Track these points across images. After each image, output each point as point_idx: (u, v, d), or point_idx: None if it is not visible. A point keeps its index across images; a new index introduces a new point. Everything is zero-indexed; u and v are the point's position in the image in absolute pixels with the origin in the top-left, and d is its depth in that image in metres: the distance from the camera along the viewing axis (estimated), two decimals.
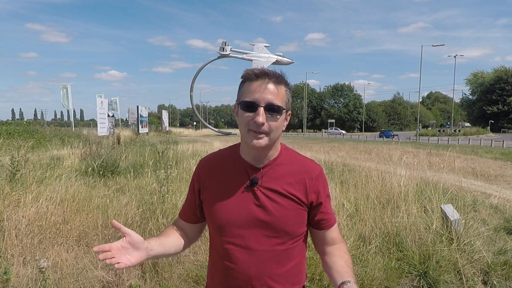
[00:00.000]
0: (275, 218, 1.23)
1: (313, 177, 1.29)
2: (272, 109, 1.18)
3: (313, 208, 1.30)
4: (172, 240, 1.33)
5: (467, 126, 67.30)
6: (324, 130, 75.10)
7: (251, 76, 1.20)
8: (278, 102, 1.19)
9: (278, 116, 1.19)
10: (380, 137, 47.14)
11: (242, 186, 1.26)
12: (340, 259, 1.30)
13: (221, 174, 1.31)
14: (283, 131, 1.29)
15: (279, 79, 1.21)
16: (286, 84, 1.24)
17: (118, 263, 1.11)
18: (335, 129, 71.54)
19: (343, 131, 69.73)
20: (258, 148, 1.21)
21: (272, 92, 1.18)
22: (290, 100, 1.28)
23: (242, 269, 1.23)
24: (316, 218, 1.31)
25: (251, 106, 1.18)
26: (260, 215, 1.23)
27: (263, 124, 1.17)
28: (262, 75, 1.19)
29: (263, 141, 1.19)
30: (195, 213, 1.37)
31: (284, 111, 1.22)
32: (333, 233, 1.35)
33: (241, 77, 1.24)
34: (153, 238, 1.29)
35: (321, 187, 1.30)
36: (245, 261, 1.23)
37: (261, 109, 1.17)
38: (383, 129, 70.69)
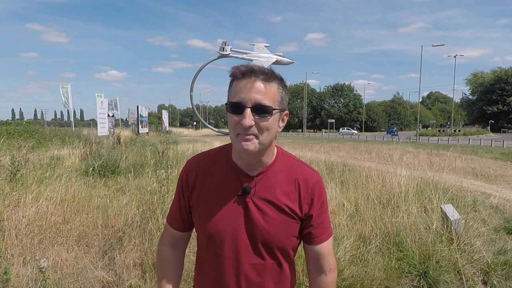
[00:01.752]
0: (266, 231, 1.16)
1: (309, 187, 1.20)
2: (260, 110, 1.06)
3: (304, 220, 1.21)
4: (178, 277, 1.34)
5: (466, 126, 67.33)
6: (324, 130, 74.89)
7: (237, 75, 1.09)
8: (267, 101, 1.07)
9: (268, 117, 1.08)
10: (388, 133, 48.26)
11: (234, 194, 1.17)
12: None
13: (212, 179, 1.21)
14: (280, 132, 1.20)
15: (267, 75, 1.09)
16: (279, 80, 1.12)
17: None
18: (347, 129, 70.46)
19: (355, 131, 69.44)
20: (247, 152, 1.10)
21: (259, 91, 1.06)
22: (286, 99, 1.16)
23: (231, 281, 1.18)
24: (305, 231, 1.22)
25: (237, 108, 1.07)
26: (251, 228, 1.16)
27: (250, 126, 1.06)
28: (248, 72, 1.07)
29: (252, 144, 1.08)
30: (184, 220, 1.30)
31: (276, 111, 1.11)
32: (322, 254, 1.24)
33: (229, 76, 1.12)
34: None
35: (316, 198, 1.20)
36: (235, 273, 1.18)
37: (248, 110, 1.06)
38: (389, 127, 71.51)
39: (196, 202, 1.22)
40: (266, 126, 1.08)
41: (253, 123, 1.06)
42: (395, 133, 51.74)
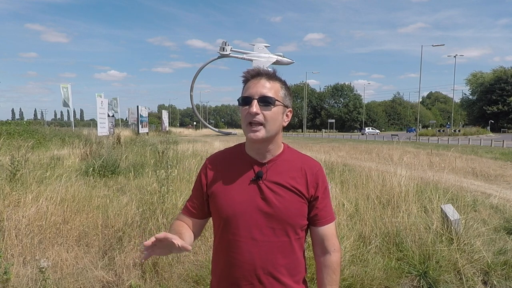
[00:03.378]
0: (279, 209, 1.30)
1: (313, 172, 1.37)
2: (265, 101, 1.28)
3: (311, 202, 1.36)
4: (187, 239, 1.36)
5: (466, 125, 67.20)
6: (324, 130, 74.66)
7: (248, 77, 1.34)
8: (271, 94, 1.29)
9: (272, 107, 1.29)
10: (408, 132, 50.45)
11: (248, 180, 1.34)
12: (323, 285, 1.38)
13: (228, 169, 1.38)
14: (283, 127, 1.37)
15: (271, 75, 1.34)
16: (281, 81, 1.35)
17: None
18: (372, 128, 68.56)
19: (378, 131, 68.78)
20: (256, 140, 1.29)
21: (264, 86, 1.30)
22: (289, 98, 1.37)
23: (247, 259, 1.30)
24: (311, 213, 1.37)
25: (247, 100, 1.30)
26: (265, 207, 1.30)
27: (257, 113, 1.27)
28: (256, 74, 1.33)
29: (260, 133, 1.28)
30: (202, 208, 1.42)
31: (279, 103, 1.31)
32: (327, 235, 1.38)
33: (242, 81, 1.36)
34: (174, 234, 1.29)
35: (320, 182, 1.38)
36: (250, 252, 1.30)
37: (255, 101, 1.28)
38: (408, 127, 73.22)
39: (213, 190, 1.37)
40: (270, 115, 1.29)
41: (259, 111, 1.27)
42: (414, 132, 52.92)
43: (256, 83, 1.30)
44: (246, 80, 1.34)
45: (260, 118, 1.27)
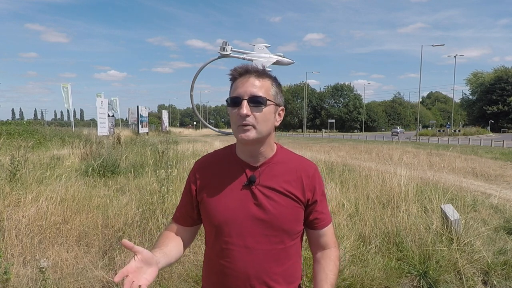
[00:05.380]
0: (273, 216, 1.23)
1: (309, 175, 1.31)
2: (255, 101, 1.19)
3: (309, 206, 1.30)
4: (172, 248, 1.29)
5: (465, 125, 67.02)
6: (324, 130, 74.51)
7: (235, 75, 1.24)
8: (261, 93, 1.20)
9: (263, 107, 1.20)
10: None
11: (240, 185, 1.26)
12: (322, 272, 1.32)
13: (218, 173, 1.30)
14: (280, 132, 1.27)
15: (260, 72, 1.23)
16: (271, 77, 1.26)
17: (140, 286, 1.08)
18: (401, 128, 67.45)
19: (403, 130, 68.60)
20: (247, 141, 1.20)
21: (254, 85, 1.20)
22: (281, 96, 1.28)
23: (241, 269, 1.23)
24: (310, 217, 1.32)
25: (236, 102, 1.20)
26: (259, 214, 1.23)
27: (247, 115, 1.18)
28: (244, 72, 1.23)
29: (251, 133, 1.19)
30: (192, 215, 1.35)
31: (270, 103, 1.22)
32: (327, 234, 1.35)
33: (230, 79, 1.27)
34: (155, 250, 1.23)
35: (317, 185, 1.32)
36: (244, 260, 1.23)
37: (244, 102, 1.18)
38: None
39: (204, 196, 1.30)
40: (261, 116, 1.20)
41: (250, 112, 1.18)
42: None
43: (245, 81, 1.20)
44: (233, 79, 1.24)
45: (250, 120, 1.18)
